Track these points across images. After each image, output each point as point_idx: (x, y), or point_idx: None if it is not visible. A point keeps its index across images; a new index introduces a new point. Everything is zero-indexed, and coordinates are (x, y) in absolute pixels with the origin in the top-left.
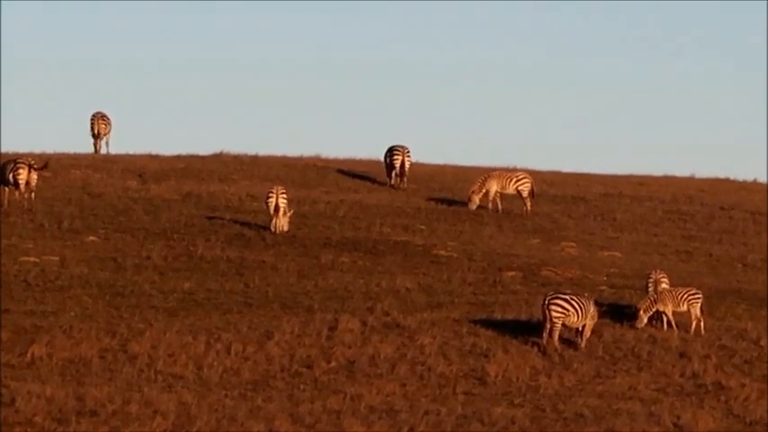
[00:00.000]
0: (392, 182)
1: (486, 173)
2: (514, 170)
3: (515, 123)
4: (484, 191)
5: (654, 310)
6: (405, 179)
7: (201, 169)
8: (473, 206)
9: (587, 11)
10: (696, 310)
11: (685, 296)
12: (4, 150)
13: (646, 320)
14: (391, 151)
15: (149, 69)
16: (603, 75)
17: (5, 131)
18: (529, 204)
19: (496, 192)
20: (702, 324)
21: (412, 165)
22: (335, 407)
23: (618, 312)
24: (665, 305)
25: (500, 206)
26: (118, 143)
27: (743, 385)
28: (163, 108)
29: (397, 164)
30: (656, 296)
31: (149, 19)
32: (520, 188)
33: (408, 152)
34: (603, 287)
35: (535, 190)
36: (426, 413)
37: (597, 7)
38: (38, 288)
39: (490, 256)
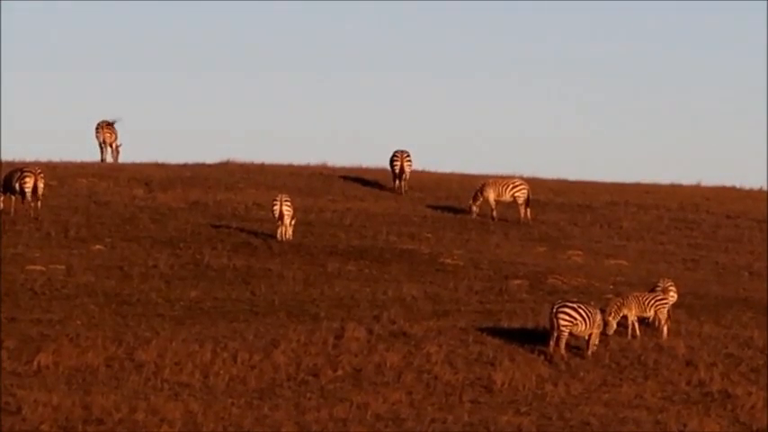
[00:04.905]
0: (395, 187)
1: (482, 180)
2: (510, 177)
3: (522, 131)
4: (481, 199)
5: (621, 314)
6: (404, 183)
7: (208, 178)
8: (473, 214)
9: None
10: (663, 316)
11: (652, 302)
12: (10, 159)
13: (615, 326)
14: (392, 156)
15: (156, 77)
16: (610, 82)
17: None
18: (527, 212)
19: (495, 200)
20: (666, 329)
21: (419, 173)
22: (342, 415)
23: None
24: (630, 310)
25: (495, 214)
26: (124, 151)
27: (749, 393)
28: (169, 117)
29: (397, 168)
30: (622, 300)
31: (156, 26)
32: (516, 195)
33: (408, 156)
34: (610, 295)
35: (531, 197)
36: (433, 421)
37: (603, 14)
38: (44, 296)
39: (496, 265)
